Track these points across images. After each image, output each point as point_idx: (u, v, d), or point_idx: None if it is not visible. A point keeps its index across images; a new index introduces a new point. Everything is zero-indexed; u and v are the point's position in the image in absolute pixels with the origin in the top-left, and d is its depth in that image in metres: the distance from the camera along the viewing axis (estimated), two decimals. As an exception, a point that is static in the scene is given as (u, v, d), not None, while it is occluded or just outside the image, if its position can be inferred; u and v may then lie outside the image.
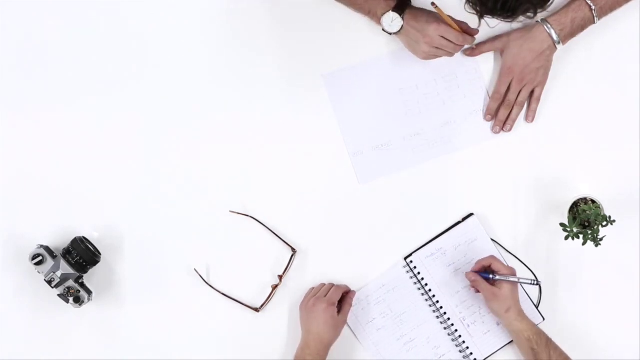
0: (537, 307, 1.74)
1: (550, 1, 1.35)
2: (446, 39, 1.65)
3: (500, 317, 1.68)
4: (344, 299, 1.72)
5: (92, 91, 1.78)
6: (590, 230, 1.62)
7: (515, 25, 1.46)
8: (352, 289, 1.75)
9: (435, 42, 1.66)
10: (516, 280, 1.66)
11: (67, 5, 1.78)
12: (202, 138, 1.77)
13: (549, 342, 1.64)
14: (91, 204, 1.76)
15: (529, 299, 1.73)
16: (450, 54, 1.68)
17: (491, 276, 1.66)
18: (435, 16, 1.65)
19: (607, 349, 1.74)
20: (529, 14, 1.35)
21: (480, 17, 1.36)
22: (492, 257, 1.69)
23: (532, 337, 1.64)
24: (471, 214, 1.75)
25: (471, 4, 1.35)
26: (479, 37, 1.75)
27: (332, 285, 1.74)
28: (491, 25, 1.45)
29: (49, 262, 1.68)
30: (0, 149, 1.77)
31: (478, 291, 1.69)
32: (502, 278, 1.66)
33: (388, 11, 1.66)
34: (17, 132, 1.77)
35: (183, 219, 1.76)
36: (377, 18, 1.68)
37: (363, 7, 1.69)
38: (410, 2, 1.68)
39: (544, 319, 1.73)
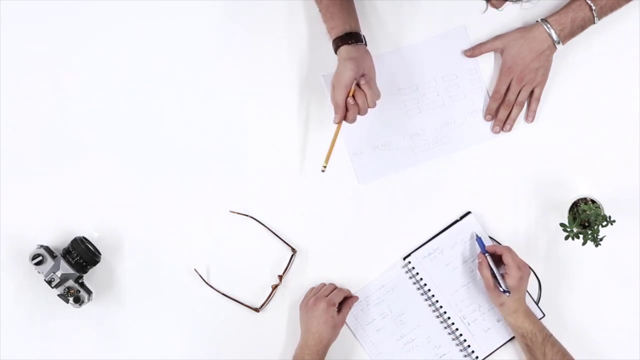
0: (537, 304, 1.74)
1: None
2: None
3: (497, 308, 1.70)
4: (344, 301, 1.72)
5: (91, 90, 1.78)
6: (590, 230, 1.63)
7: (525, 4, 1.41)
8: (352, 289, 1.75)
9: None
10: (498, 284, 1.67)
11: (68, 4, 1.78)
12: (202, 138, 1.77)
13: (546, 340, 1.65)
14: (91, 204, 1.76)
15: (528, 295, 1.73)
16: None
17: (491, 265, 1.68)
18: (334, 77, 1.63)
19: (607, 347, 1.74)
20: None
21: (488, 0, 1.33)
22: (508, 248, 1.69)
23: (526, 334, 1.65)
24: (468, 212, 1.75)
25: None
26: (479, 37, 1.76)
27: (333, 286, 1.74)
28: (499, 9, 1.41)
29: (49, 262, 1.68)
30: (1, 148, 1.77)
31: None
32: (493, 269, 1.67)
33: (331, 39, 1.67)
34: (17, 132, 1.77)
35: (183, 219, 1.76)
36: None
37: (325, 24, 1.69)
38: (339, 44, 1.64)
39: (544, 315, 1.73)
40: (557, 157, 1.76)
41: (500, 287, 1.66)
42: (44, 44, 1.78)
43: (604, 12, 1.68)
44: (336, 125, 1.65)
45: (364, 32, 1.67)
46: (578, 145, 1.76)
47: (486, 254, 1.70)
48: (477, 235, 1.73)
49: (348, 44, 1.64)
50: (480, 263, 1.69)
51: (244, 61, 1.78)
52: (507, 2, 1.34)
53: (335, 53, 1.66)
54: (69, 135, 1.77)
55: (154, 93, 1.78)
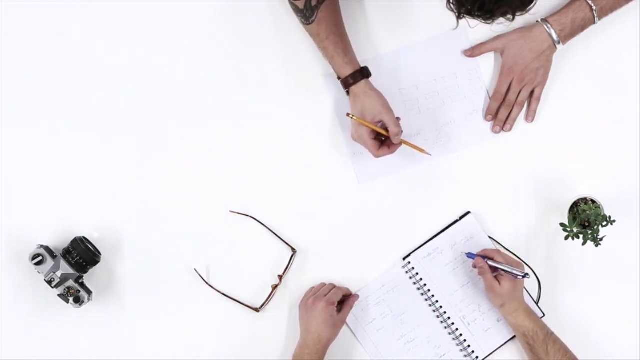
0: (537, 303, 1.74)
1: (530, 6, 1.34)
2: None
3: (497, 309, 1.70)
4: (345, 300, 1.72)
5: (91, 90, 1.78)
6: (590, 230, 1.63)
7: (511, 27, 1.45)
8: (352, 289, 1.75)
9: (355, 138, 1.68)
10: (513, 273, 1.65)
11: (68, 4, 1.78)
12: (202, 138, 1.77)
13: (547, 338, 1.65)
14: (91, 204, 1.76)
15: (528, 295, 1.73)
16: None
17: (494, 264, 1.67)
18: (374, 109, 1.64)
19: (607, 347, 1.74)
20: (507, 17, 1.34)
21: (459, 17, 1.35)
22: (497, 250, 1.69)
23: (528, 333, 1.65)
24: (468, 212, 1.75)
25: (450, 3, 1.34)
26: (478, 38, 1.76)
27: (332, 286, 1.74)
28: (471, 25, 1.45)
29: (49, 262, 1.68)
30: (0, 148, 1.77)
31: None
32: (499, 266, 1.66)
33: (339, 78, 1.68)
34: (17, 132, 1.77)
35: (183, 219, 1.76)
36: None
37: (330, 62, 1.69)
38: (359, 78, 1.66)
39: (544, 315, 1.73)
40: (557, 157, 1.76)
41: (518, 275, 1.65)
42: (44, 44, 1.78)
43: (604, 12, 1.68)
44: (400, 143, 1.67)
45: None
46: (578, 145, 1.76)
47: (485, 259, 1.69)
48: (466, 254, 1.73)
49: (367, 77, 1.67)
50: (481, 267, 1.68)
51: (244, 62, 1.78)
52: (478, 22, 1.37)
53: (348, 87, 1.66)
54: (69, 135, 1.77)
55: (154, 94, 1.78)
